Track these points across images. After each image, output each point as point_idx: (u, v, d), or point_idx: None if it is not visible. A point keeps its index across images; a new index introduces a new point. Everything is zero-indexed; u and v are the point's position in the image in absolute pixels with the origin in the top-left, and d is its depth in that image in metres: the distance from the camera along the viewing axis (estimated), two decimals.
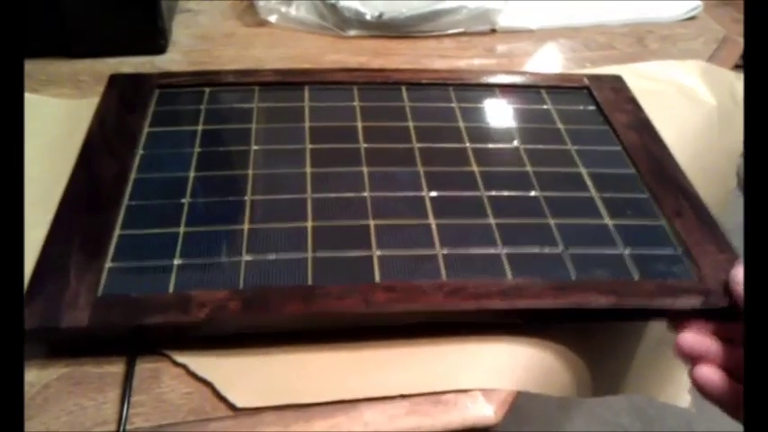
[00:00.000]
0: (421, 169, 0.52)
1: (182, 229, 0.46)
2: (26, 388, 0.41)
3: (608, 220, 0.49)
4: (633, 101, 0.61)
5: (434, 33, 0.71)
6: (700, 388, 0.42)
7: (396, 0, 0.70)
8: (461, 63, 0.69)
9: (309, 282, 0.43)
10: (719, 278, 0.45)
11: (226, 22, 0.69)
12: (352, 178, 0.51)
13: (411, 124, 0.57)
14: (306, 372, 0.42)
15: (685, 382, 0.53)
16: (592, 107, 0.60)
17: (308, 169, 0.52)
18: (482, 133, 0.56)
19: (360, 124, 0.56)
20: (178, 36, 0.67)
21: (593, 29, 0.74)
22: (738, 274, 0.43)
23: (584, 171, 0.53)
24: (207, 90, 0.59)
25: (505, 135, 0.56)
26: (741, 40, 0.70)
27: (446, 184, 0.51)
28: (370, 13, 0.66)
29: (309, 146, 0.54)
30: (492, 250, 0.46)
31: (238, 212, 0.48)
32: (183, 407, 0.41)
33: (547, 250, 0.46)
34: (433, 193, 0.50)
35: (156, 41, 0.64)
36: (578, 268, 0.45)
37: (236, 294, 0.42)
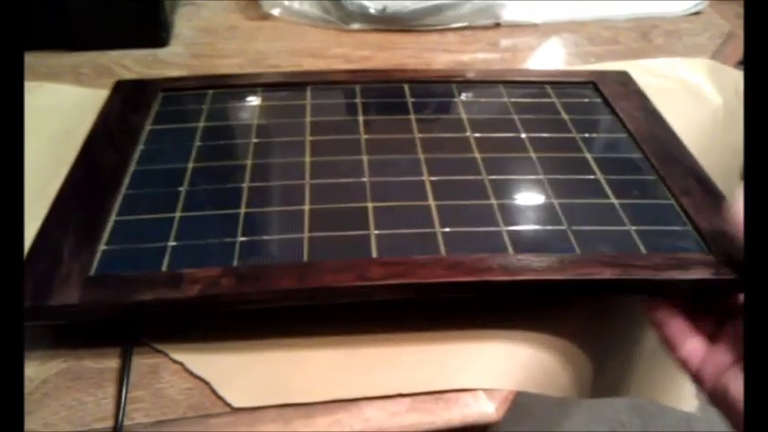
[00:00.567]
0: (422, 156, 0.51)
1: (177, 215, 0.46)
2: (25, 383, 0.40)
3: (614, 200, 0.48)
4: (639, 93, 0.60)
5: (438, 27, 0.71)
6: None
7: None
8: (465, 57, 0.68)
9: (305, 259, 0.42)
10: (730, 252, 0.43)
11: (229, 15, 0.70)
12: (352, 165, 0.50)
13: (413, 117, 0.56)
14: (303, 371, 0.41)
15: (689, 385, 0.51)
16: (598, 99, 0.59)
17: (308, 158, 0.51)
18: (485, 124, 0.55)
19: (361, 118, 0.56)
20: (180, 29, 0.67)
21: (598, 23, 0.74)
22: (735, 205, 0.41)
23: (589, 156, 0.52)
24: (210, 92, 0.59)
25: (509, 125, 0.55)
26: None
27: (447, 170, 0.50)
28: (373, 6, 0.66)
29: (309, 138, 0.53)
30: (493, 228, 0.45)
31: (235, 198, 0.47)
32: (183, 402, 0.40)
33: (550, 227, 0.45)
34: (434, 178, 0.49)
35: (158, 34, 0.63)
36: (582, 244, 0.44)
37: (230, 271, 0.41)
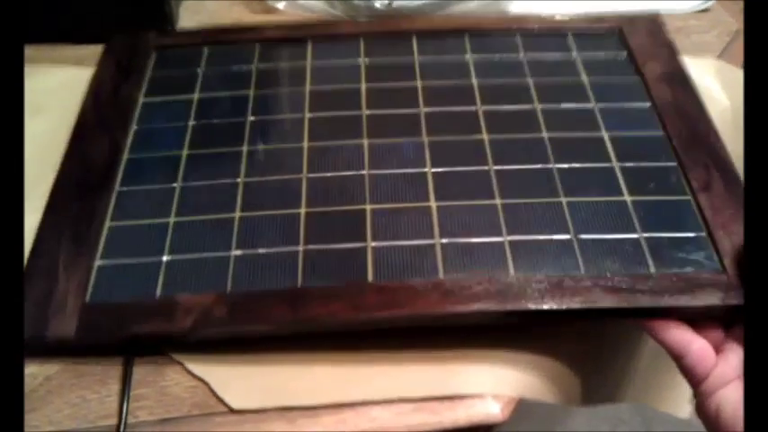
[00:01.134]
0: (426, 139, 0.49)
1: (171, 219, 0.45)
2: (28, 380, 0.41)
3: (627, 197, 0.45)
4: (669, 45, 0.55)
5: None
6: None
7: None
8: None
9: (299, 281, 0.41)
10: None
11: (233, 8, 0.66)
12: (351, 153, 0.48)
13: (419, 84, 0.52)
14: (303, 375, 0.41)
15: (686, 391, 0.50)
16: (623, 54, 0.54)
17: (306, 143, 0.49)
18: (496, 92, 0.52)
19: (363, 86, 0.52)
20: (184, 22, 0.64)
21: None
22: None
23: (606, 135, 0.49)
24: (205, 50, 0.56)
25: (522, 94, 0.51)
26: None
27: (451, 158, 0.47)
28: (379, 1, 0.61)
29: (308, 114, 0.51)
30: (495, 238, 0.43)
31: (230, 198, 0.46)
32: (187, 400, 0.41)
33: (555, 237, 0.43)
34: (436, 169, 0.47)
35: (162, 27, 0.61)
36: (587, 259, 0.42)
37: (222, 299, 0.41)
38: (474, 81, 0.52)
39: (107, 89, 0.53)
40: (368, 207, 0.45)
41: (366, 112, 0.51)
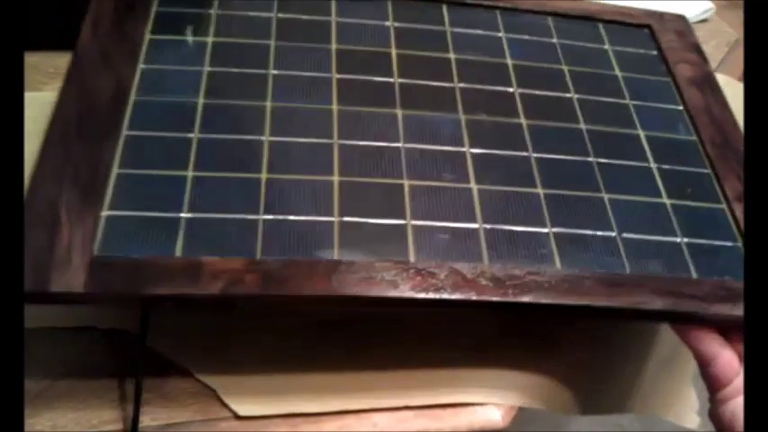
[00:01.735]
0: (462, 117, 0.46)
1: (190, 173, 0.40)
2: (33, 384, 0.39)
3: (666, 199, 0.44)
4: (697, 48, 0.54)
5: None
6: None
7: None
8: None
9: (335, 253, 0.38)
10: None
11: None
12: (385, 123, 0.45)
13: (452, 56, 0.50)
14: (308, 382, 0.41)
15: (693, 401, 0.51)
16: (653, 52, 0.53)
17: (335, 106, 0.45)
18: (532, 76, 0.50)
19: (394, 51, 0.49)
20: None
21: None
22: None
23: (642, 134, 0.48)
24: None
25: (558, 81, 0.50)
26: None
27: (490, 140, 0.45)
28: None
29: (336, 75, 0.47)
30: (540, 229, 0.41)
31: (255, 156, 0.42)
32: (191, 406, 0.40)
33: (599, 233, 0.42)
34: (476, 150, 0.44)
35: None
36: (632, 259, 0.41)
37: (254, 266, 0.37)
38: (509, 61, 0.50)
39: (107, 21, 0.47)
40: (405, 182, 0.42)
41: (398, 80, 0.47)
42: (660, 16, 0.56)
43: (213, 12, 0.49)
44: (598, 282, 0.39)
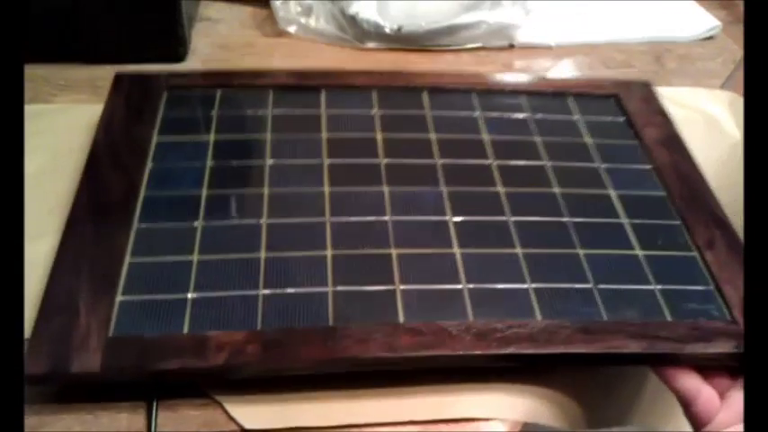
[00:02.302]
0: (444, 189, 0.50)
1: (195, 257, 0.44)
2: (39, 397, 0.40)
3: (638, 251, 0.47)
4: (663, 113, 0.58)
5: (453, 48, 0.69)
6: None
7: (415, 13, 0.68)
8: None
9: (330, 320, 0.41)
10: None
11: (245, 31, 0.68)
12: (373, 199, 0.49)
13: (433, 136, 0.54)
14: (313, 396, 0.41)
15: None
16: (621, 119, 0.58)
17: (326, 188, 0.49)
18: (507, 148, 0.54)
19: (379, 136, 0.54)
20: (197, 44, 0.66)
21: (612, 46, 0.73)
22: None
23: (613, 193, 0.51)
24: (218, 92, 0.56)
25: (531, 150, 0.54)
26: None
27: (470, 208, 0.49)
28: (389, 26, 0.64)
29: (327, 161, 0.51)
30: (520, 285, 0.44)
31: (254, 238, 0.46)
32: (197, 418, 0.40)
33: (577, 286, 0.45)
34: (457, 218, 0.48)
35: (175, 49, 0.63)
36: (609, 307, 0.44)
37: (255, 336, 0.40)
38: (485, 136, 0.54)
39: (118, 126, 0.52)
40: (393, 251, 0.46)
41: (384, 160, 0.52)
42: (626, 85, 0.60)
43: (214, 113, 0.54)
44: (576, 330, 0.42)
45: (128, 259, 0.44)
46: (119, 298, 0.42)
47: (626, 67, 0.70)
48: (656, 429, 0.55)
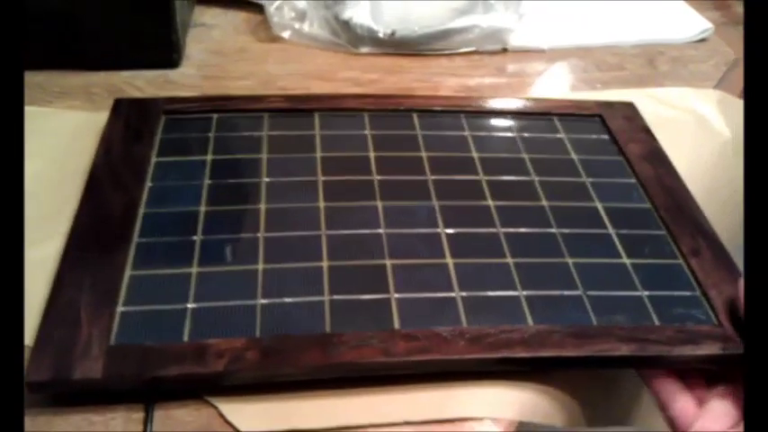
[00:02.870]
0: (436, 203, 0.51)
1: (194, 270, 0.45)
2: (34, 401, 0.40)
3: (625, 259, 0.49)
4: (646, 130, 0.60)
5: (446, 52, 0.71)
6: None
7: (408, 18, 0.69)
8: (472, 82, 0.68)
9: (327, 327, 0.42)
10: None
11: (239, 37, 0.69)
12: (367, 214, 0.50)
13: (424, 154, 0.56)
14: (310, 399, 0.42)
15: None
16: (605, 136, 0.60)
17: (321, 204, 0.51)
18: (496, 165, 0.55)
19: (372, 154, 0.55)
20: (191, 50, 0.67)
21: (605, 49, 0.74)
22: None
23: (599, 205, 0.53)
24: (215, 117, 0.58)
25: (520, 167, 0.56)
26: None
27: (462, 220, 0.50)
28: (382, 30, 0.66)
29: (322, 178, 0.53)
30: (511, 293, 0.45)
31: (252, 251, 0.47)
32: (191, 423, 0.40)
33: (566, 293, 0.46)
34: (450, 230, 0.49)
35: (169, 55, 0.64)
36: (598, 312, 0.45)
37: (254, 343, 0.41)
38: (474, 154, 0.56)
39: (118, 147, 0.54)
40: (388, 262, 0.47)
41: (377, 177, 0.53)
42: (609, 105, 0.63)
43: (211, 135, 0.56)
44: (567, 334, 0.43)
45: (128, 272, 0.45)
46: (120, 309, 0.43)
47: (619, 70, 0.71)
48: (658, 430, 0.55)
